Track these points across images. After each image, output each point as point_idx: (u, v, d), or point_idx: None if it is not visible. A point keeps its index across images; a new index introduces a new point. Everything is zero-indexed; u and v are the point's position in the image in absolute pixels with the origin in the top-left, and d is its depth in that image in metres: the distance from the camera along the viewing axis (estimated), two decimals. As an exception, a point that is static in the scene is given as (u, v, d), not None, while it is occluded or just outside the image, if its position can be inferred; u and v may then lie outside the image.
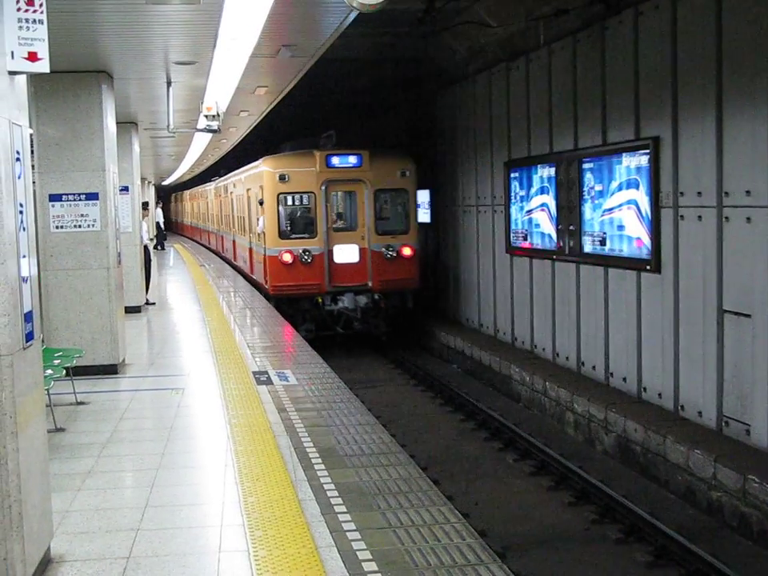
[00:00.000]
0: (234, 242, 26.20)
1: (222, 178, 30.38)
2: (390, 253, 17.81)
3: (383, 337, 18.08)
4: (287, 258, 17.71)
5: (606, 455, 10.29)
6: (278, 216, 17.96)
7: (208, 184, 36.27)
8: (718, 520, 8.22)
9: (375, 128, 24.02)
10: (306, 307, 17.83)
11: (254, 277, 20.99)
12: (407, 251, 17.83)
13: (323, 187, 17.74)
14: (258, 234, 19.56)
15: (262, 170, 18.83)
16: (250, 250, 21.68)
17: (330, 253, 17.74)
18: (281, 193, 17.91)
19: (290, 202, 18.07)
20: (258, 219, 19.49)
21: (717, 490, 8.23)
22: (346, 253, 17.84)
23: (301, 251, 17.69)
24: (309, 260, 17.66)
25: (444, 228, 18.06)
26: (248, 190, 21.71)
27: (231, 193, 26.42)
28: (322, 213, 17.74)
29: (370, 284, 17.75)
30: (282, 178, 17.88)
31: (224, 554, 5.16)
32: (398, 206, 18.42)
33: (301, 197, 18.06)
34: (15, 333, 4.46)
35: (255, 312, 16.74)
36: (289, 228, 18.05)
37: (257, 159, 20.45)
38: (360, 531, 5.42)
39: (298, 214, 18.21)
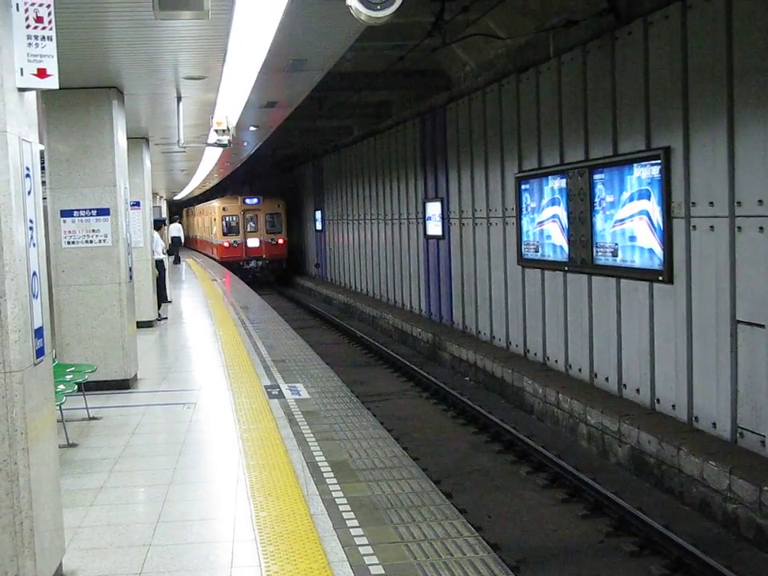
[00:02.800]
0: (206, 240, 46.04)
1: (202, 204, 49.81)
2: (273, 242, 38.26)
3: (271, 280, 37.65)
4: (226, 244, 38.39)
5: (620, 467, 10.23)
6: (223, 226, 38.59)
7: (195, 206, 55.40)
8: (734, 532, 8.15)
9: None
10: (235, 267, 36.54)
11: (213, 255, 41.41)
12: (281, 241, 38.50)
13: (242, 212, 38.39)
14: (214, 234, 40.43)
15: (216, 204, 40.06)
16: (211, 243, 42.47)
17: (246, 242, 38.20)
18: (223, 215, 38.56)
19: (227, 220, 38.58)
20: (214, 227, 40.26)
21: (732, 501, 8.17)
22: (253, 242, 38.26)
23: (232, 241, 38.36)
24: (236, 245, 38.27)
25: (454, 241, 18.04)
26: (210, 213, 41.97)
27: (204, 214, 46.82)
28: (242, 224, 38.33)
29: (264, 256, 38.18)
30: (224, 208, 38.72)
31: (236, 570, 5.14)
32: (278, 221, 38.61)
33: (233, 217, 38.52)
34: (26, 349, 4.47)
35: (267, 326, 16.76)
36: (227, 231, 38.54)
37: (216, 198, 42.26)
38: (372, 546, 5.40)
39: (231, 225, 38.55)
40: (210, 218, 41.63)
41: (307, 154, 35.28)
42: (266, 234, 38.04)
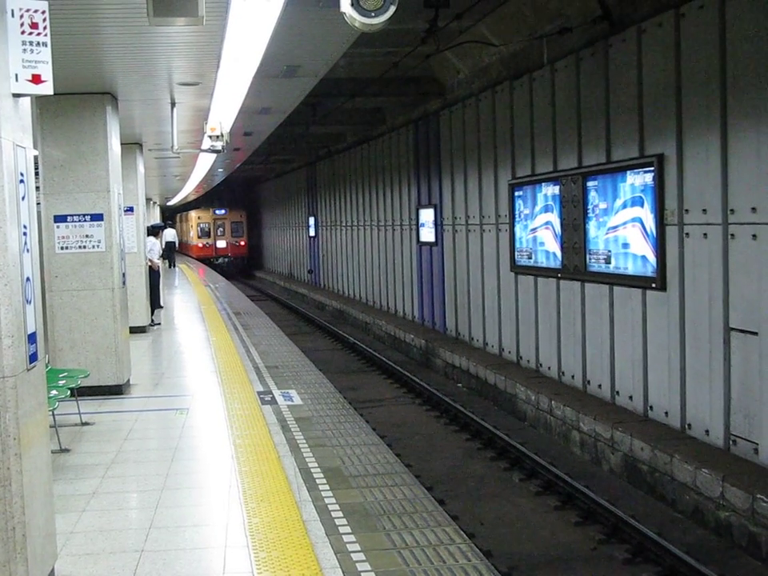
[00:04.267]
0: (187, 243, 55.18)
1: (183, 213, 60.27)
2: (236, 243, 49.92)
3: (234, 272, 47.12)
4: (200, 245, 49.74)
5: (613, 474, 10.24)
6: (198, 231, 49.90)
7: (177, 215, 66.90)
8: (727, 540, 8.16)
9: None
10: (207, 263, 46.71)
11: (192, 254, 51.85)
12: (242, 242, 50.17)
13: (213, 221, 49.83)
14: (191, 237, 51.60)
15: (193, 214, 51.00)
16: (190, 244, 53.38)
17: (215, 243, 49.58)
18: (198, 222, 49.93)
19: (202, 226, 50.03)
20: (191, 232, 51.40)
21: (725, 509, 8.18)
22: (221, 243, 49.69)
23: (205, 242, 49.68)
24: (208, 246, 49.62)
25: (447, 247, 18.06)
26: (189, 220, 53.03)
27: (184, 221, 58.15)
28: (213, 230, 49.82)
29: (229, 254, 49.64)
30: (199, 217, 49.96)
31: (228, 576, 5.14)
32: (240, 227, 50.17)
33: (206, 224, 49.92)
34: (19, 354, 4.46)
35: (260, 332, 16.75)
36: (201, 234, 49.87)
37: (194, 209, 52.89)
38: (365, 552, 5.40)
39: (204, 230, 49.89)
40: (189, 224, 53.15)
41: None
42: (231, 237, 50.57)
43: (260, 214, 52.21)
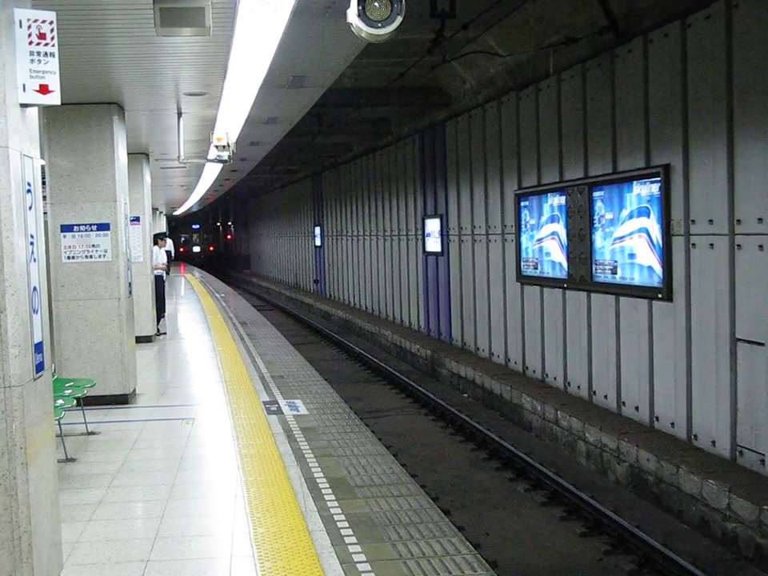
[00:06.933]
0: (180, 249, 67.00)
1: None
2: (207, 249, 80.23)
3: (207, 268, 63.41)
4: (182, 249, 71.21)
5: (619, 485, 10.21)
6: (181, 240, 74.47)
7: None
8: (733, 551, 8.13)
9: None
10: (186, 260, 67.90)
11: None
12: (212, 248, 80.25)
13: (191, 233, 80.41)
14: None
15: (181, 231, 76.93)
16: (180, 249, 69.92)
17: (192, 248, 79.16)
18: (181, 234, 75.43)
19: (183, 237, 77.73)
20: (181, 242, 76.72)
21: (731, 520, 8.15)
22: (197, 249, 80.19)
23: (186, 248, 76.48)
24: (191, 250, 79.06)
25: (453, 257, 18.06)
26: (176, 232, 66.61)
27: (173, 233, 61.06)
28: (194, 240, 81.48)
29: (202, 256, 77.98)
30: (183, 233, 77.46)
31: (234, 586, 5.13)
32: (211, 237, 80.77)
33: (187, 235, 79.01)
34: (25, 364, 4.47)
35: (265, 341, 16.75)
36: (183, 242, 75.33)
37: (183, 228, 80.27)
38: (370, 563, 5.38)
39: (186, 240, 78.50)
40: (175, 235, 66.41)
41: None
42: (203, 244, 78.30)
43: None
